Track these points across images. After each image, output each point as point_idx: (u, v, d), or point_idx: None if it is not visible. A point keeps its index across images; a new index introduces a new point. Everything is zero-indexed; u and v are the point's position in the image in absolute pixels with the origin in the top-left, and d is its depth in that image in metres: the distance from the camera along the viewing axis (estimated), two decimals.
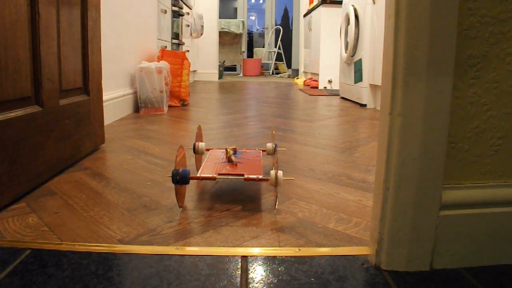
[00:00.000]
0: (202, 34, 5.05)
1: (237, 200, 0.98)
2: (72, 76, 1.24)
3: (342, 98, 3.56)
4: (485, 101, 0.66)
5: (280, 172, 0.89)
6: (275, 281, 0.63)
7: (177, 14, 3.75)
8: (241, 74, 7.76)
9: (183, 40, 4.16)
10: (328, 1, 4.42)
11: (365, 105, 2.96)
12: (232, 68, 8.39)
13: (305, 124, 2.15)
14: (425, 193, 0.65)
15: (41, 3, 1.01)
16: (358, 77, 3.04)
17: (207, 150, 1.21)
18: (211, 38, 5.87)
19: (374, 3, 2.74)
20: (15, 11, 0.91)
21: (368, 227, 0.83)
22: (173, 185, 0.89)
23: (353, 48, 3.10)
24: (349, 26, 3.13)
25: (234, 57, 7.70)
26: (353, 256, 0.71)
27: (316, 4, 4.74)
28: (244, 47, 8.03)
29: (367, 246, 0.74)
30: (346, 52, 3.26)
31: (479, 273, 0.66)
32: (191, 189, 1.05)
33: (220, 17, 6.42)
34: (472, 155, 0.67)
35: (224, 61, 7.18)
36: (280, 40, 7.78)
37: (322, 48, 4.48)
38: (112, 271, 0.65)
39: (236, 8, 8.61)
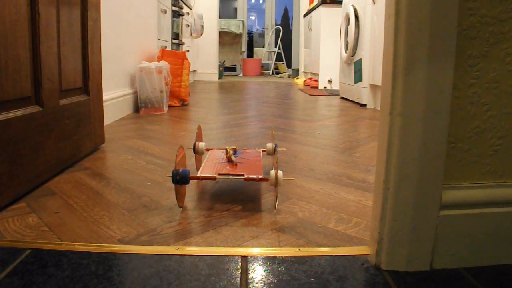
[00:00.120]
0: (202, 34, 5.05)
1: (237, 200, 0.98)
2: (72, 76, 1.24)
3: (342, 98, 3.56)
4: (485, 101, 0.66)
5: (280, 172, 0.89)
6: (275, 281, 0.63)
7: (177, 14, 3.75)
8: (241, 74, 7.76)
9: (183, 40, 4.16)
10: (328, 1, 4.42)
11: (365, 105, 2.96)
12: (232, 68, 8.39)
13: (305, 124, 2.15)
14: (425, 193, 0.65)
15: (41, 3, 1.01)
16: (358, 77, 3.04)
17: (207, 150, 1.21)
18: (211, 38, 5.87)
19: (374, 3, 2.74)
20: (15, 11, 0.91)
21: (368, 227, 0.83)
22: (173, 185, 0.89)
23: (353, 48, 3.10)
24: (349, 26, 3.13)
25: (234, 57, 7.70)
26: (353, 256, 0.71)
27: (316, 4, 4.74)
28: (244, 47, 8.03)
29: (367, 246, 0.74)
30: (346, 52, 3.26)
31: (479, 273, 0.66)
32: (191, 189, 1.05)
33: (220, 17, 6.42)
34: (472, 155, 0.67)
35: (224, 61, 7.18)
36: (280, 40, 7.78)
37: (322, 48, 4.48)
38: (112, 271, 0.65)
39: (236, 8, 8.61)
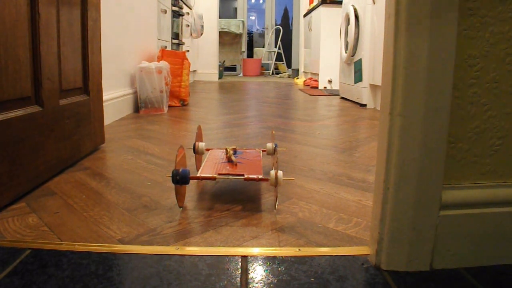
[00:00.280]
0: (202, 34, 5.05)
1: (237, 200, 0.98)
2: (72, 76, 1.24)
3: (342, 98, 3.56)
4: (485, 101, 0.66)
5: (280, 172, 0.89)
6: (275, 281, 0.63)
7: (177, 14, 3.75)
8: (241, 74, 7.76)
9: (183, 40, 4.16)
10: (328, 1, 4.42)
11: (365, 105, 2.96)
12: (232, 68, 8.39)
13: (305, 124, 2.15)
14: (425, 193, 0.65)
15: (41, 3, 1.01)
16: (358, 77, 3.04)
17: (207, 150, 1.21)
18: (211, 38, 5.87)
19: (374, 3, 2.74)
20: (15, 11, 0.91)
21: (368, 227, 0.83)
22: (173, 185, 0.89)
23: (353, 48, 3.10)
24: (349, 26, 3.13)
25: (234, 57, 7.70)
26: (353, 256, 0.71)
27: (316, 4, 4.74)
28: (244, 47, 8.03)
29: (367, 246, 0.74)
30: (346, 52, 3.26)
31: (479, 273, 0.66)
32: (191, 189, 1.05)
33: (220, 17, 6.42)
34: (472, 155, 0.67)
35: (224, 61, 7.18)
36: (280, 40, 7.78)
37: (322, 48, 4.48)
38: (112, 271, 0.65)
39: (236, 8, 8.61)
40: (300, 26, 6.68)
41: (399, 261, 0.67)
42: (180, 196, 0.91)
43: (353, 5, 3.05)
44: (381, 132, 0.66)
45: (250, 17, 9.07)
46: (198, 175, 0.95)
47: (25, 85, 0.97)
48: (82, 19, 1.29)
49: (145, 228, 0.81)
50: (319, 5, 4.54)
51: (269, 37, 8.35)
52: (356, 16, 3.02)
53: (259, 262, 0.69)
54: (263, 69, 8.18)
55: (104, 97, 1.63)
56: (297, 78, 6.06)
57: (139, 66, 2.39)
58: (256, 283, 0.62)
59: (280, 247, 0.74)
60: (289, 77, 7.42)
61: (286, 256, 0.71)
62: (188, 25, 4.60)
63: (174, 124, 2.07)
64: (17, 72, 0.92)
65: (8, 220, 0.83)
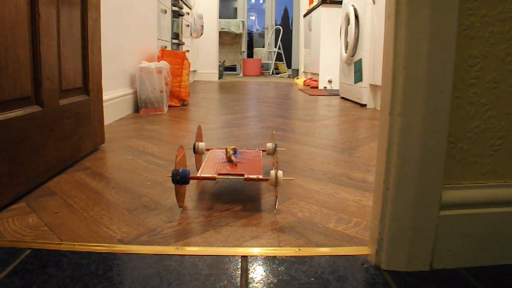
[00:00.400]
0: (202, 34, 5.05)
1: (237, 200, 0.98)
2: (72, 76, 1.24)
3: (342, 98, 3.56)
4: (485, 101, 0.66)
5: (280, 172, 0.89)
6: (275, 281, 0.63)
7: (177, 14, 3.75)
8: (241, 74, 7.76)
9: (183, 40, 4.16)
10: (328, 1, 4.42)
11: (365, 105, 2.96)
12: (232, 68, 8.39)
13: (305, 124, 2.15)
14: (425, 193, 0.65)
15: (41, 3, 1.01)
16: (358, 77, 3.04)
17: (207, 150, 1.21)
18: (211, 38, 5.87)
19: (374, 3, 2.74)
20: (15, 11, 0.91)
21: (368, 227, 0.83)
22: (173, 185, 0.89)
23: (353, 48, 3.10)
24: (349, 26, 3.13)
25: (234, 57, 7.70)
26: (353, 256, 0.71)
27: (316, 4, 4.74)
28: (244, 47, 8.03)
29: (367, 246, 0.74)
30: (346, 52, 3.26)
31: (479, 273, 0.66)
32: (191, 189, 1.05)
33: (220, 17, 6.42)
34: (472, 155, 0.67)
35: (224, 61, 7.18)
36: (280, 40, 7.78)
37: (322, 48, 4.48)
38: (112, 271, 0.65)
39: (236, 8, 8.61)
40: (300, 26, 6.68)
41: (399, 261, 0.67)
42: (180, 196, 0.91)
43: (353, 5, 3.05)
44: (381, 132, 0.66)
45: (250, 17, 9.07)
46: (198, 175, 0.95)
47: (25, 85, 0.97)
48: (82, 19, 1.29)
49: (145, 228, 0.81)
50: (319, 5, 4.54)
51: (269, 37, 8.35)
52: (356, 16, 3.02)
53: (259, 262, 0.69)
54: (263, 69, 8.18)
55: (104, 97, 1.63)
56: (297, 78, 6.06)
57: (139, 66, 2.39)
58: (256, 283, 0.62)
59: (280, 247, 0.74)
60: (289, 77, 7.42)
61: (286, 256, 0.71)
62: (188, 25, 4.60)
63: (174, 124, 2.07)
64: (17, 72, 0.92)
65: (8, 220, 0.83)
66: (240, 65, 7.89)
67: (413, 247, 0.66)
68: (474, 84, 0.65)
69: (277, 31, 7.97)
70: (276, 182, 0.88)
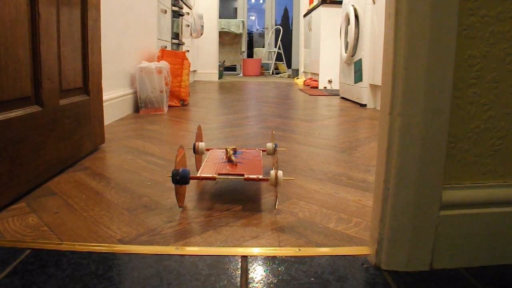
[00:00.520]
0: (202, 34, 5.05)
1: (237, 200, 0.98)
2: (72, 76, 1.24)
3: (342, 98, 3.56)
4: (485, 101, 0.66)
5: (280, 172, 0.89)
6: (275, 281, 0.63)
7: (177, 14, 3.74)
8: (241, 74, 7.76)
9: (183, 40, 4.16)
10: (328, 1, 4.42)
11: (365, 105, 2.96)
12: (232, 68, 8.39)
13: (305, 124, 2.15)
14: (425, 193, 0.65)
15: (41, 3, 1.01)
16: (358, 77, 3.04)
17: (207, 150, 1.21)
18: (211, 38, 5.87)
19: (374, 3, 2.74)
20: (15, 11, 0.91)
21: (368, 227, 0.83)
22: (173, 185, 0.89)
23: (353, 48, 3.10)
24: (349, 26, 3.13)
25: (234, 57, 7.70)
26: (353, 256, 0.71)
27: (316, 4, 4.74)
28: (244, 47, 8.03)
29: (367, 246, 0.74)
30: (346, 52, 3.26)
31: (479, 273, 0.66)
32: (191, 189, 1.05)
33: (220, 17, 6.42)
34: (472, 155, 0.67)
35: (224, 61, 7.18)
36: (280, 40, 7.78)
37: (322, 48, 4.48)
38: (112, 271, 0.65)
39: (236, 8, 8.61)
40: (300, 26, 6.68)
41: (399, 261, 0.67)
42: (180, 196, 0.91)
43: (353, 5, 3.05)
44: (381, 132, 0.66)
45: (250, 17, 9.07)
46: (198, 175, 0.95)
47: (25, 85, 0.97)
48: (82, 19, 1.29)
49: (145, 228, 0.81)
50: (319, 5, 4.54)
51: (269, 37, 8.35)
52: (356, 16, 3.02)
53: (259, 262, 0.69)
54: (263, 69, 8.18)
55: (104, 97, 1.63)
56: (297, 78, 6.06)
57: (139, 66, 2.39)
58: (256, 283, 0.62)
59: (280, 247, 0.74)
60: (289, 77, 7.42)
61: (286, 256, 0.71)
62: (188, 25, 4.60)
63: (174, 124, 2.07)
64: (17, 72, 0.92)
65: (8, 220, 0.83)
66: (240, 65, 7.89)
67: (413, 247, 0.66)
68: (474, 84, 0.65)
69: (277, 31, 7.97)
70: (276, 182, 0.88)
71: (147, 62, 2.48)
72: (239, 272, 0.66)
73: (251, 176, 0.93)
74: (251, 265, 0.68)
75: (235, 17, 8.43)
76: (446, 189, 0.66)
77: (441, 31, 0.60)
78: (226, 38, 7.44)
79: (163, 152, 1.45)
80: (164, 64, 2.50)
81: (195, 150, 1.16)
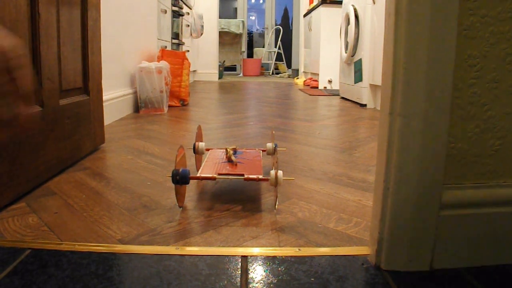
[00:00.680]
0: (202, 34, 5.05)
1: (237, 200, 0.98)
2: (72, 76, 1.24)
3: (342, 98, 3.56)
4: (485, 101, 0.66)
5: (280, 172, 0.89)
6: (275, 281, 0.63)
7: (177, 14, 3.75)
8: (241, 74, 7.76)
9: (183, 40, 4.16)
10: (328, 1, 4.42)
11: (365, 105, 2.96)
12: (232, 68, 8.39)
13: (305, 124, 2.15)
14: (425, 193, 0.65)
15: (41, 3, 1.01)
16: (358, 77, 3.04)
17: (207, 150, 1.21)
18: (211, 38, 5.87)
19: (374, 3, 2.74)
20: (15, 11, 0.91)
21: (368, 227, 0.83)
22: (173, 185, 0.89)
23: (353, 48, 3.10)
24: (349, 26, 3.13)
25: (234, 57, 7.70)
26: (353, 256, 0.71)
27: (316, 4, 4.74)
28: (244, 47, 8.03)
29: (367, 246, 0.74)
30: (346, 52, 3.26)
31: (479, 273, 0.66)
32: (191, 189, 1.05)
33: (220, 17, 6.42)
34: (472, 155, 0.67)
35: (224, 61, 7.18)
36: (280, 40, 7.78)
37: (322, 48, 4.48)
38: (112, 271, 0.65)
39: (236, 8, 8.61)
40: (300, 26, 6.68)
41: (399, 261, 0.67)
42: (180, 196, 0.91)
43: (353, 5, 3.05)
44: (381, 132, 0.66)
45: (250, 17, 9.07)
46: (198, 175, 0.95)
47: None
48: (82, 19, 1.29)
49: (145, 228, 0.81)
50: (319, 5, 4.54)
51: (269, 37, 8.35)
52: (356, 16, 3.02)
53: (259, 262, 0.69)
54: (263, 69, 8.18)
55: (104, 97, 1.63)
56: (297, 78, 6.06)
57: (139, 66, 2.39)
58: (256, 283, 0.63)
59: (280, 247, 0.74)
60: (289, 77, 7.42)
61: (286, 256, 0.71)
62: (188, 25, 4.60)
63: (174, 124, 2.07)
64: None
65: (8, 220, 0.83)
66: (240, 65, 7.89)
67: (413, 247, 0.66)
68: (474, 84, 0.65)
69: (277, 31, 7.97)
70: (276, 182, 0.88)
71: (147, 62, 2.48)
72: (239, 272, 0.66)
73: (251, 176, 0.93)
74: (251, 265, 0.68)
75: (235, 17, 8.43)
76: (446, 189, 0.66)
77: (441, 31, 0.60)
78: (226, 38, 7.44)
79: (163, 152, 1.45)
80: (164, 64, 2.50)
81: (195, 150, 1.16)
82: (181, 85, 2.76)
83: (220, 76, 6.35)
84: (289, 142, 1.65)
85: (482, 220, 0.67)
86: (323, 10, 4.43)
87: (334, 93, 3.94)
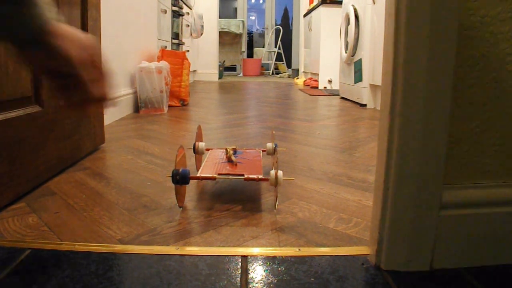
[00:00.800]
0: (202, 34, 5.05)
1: (237, 200, 0.98)
2: None
3: (342, 98, 3.56)
4: (485, 101, 0.66)
5: (280, 172, 0.89)
6: (275, 281, 0.63)
7: (177, 14, 3.75)
8: (241, 74, 7.76)
9: (183, 40, 4.16)
10: (328, 1, 4.42)
11: (365, 105, 2.96)
12: (232, 68, 8.39)
13: (305, 124, 2.15)
14: (425, 193, 0.65)
15: None
16: (358, 77, 3.04)
17: (207, 150, 1.21)
18: (211, 38, 5.87)
19: (374, 3, 2.74)
20: None
21: (368, 227, 0.83)
22: (173, 185, 0.89)
23: (353, 48, 3.10)
24: (349, 26, 3.13)
25: (234, 57, 7.70)
26: (353, 256, 0.71)
27: (316, 4, 4.74)
28: (244, 47, 8.02)
29: (367, 246, 0.74)
30: (346, 52, 3.26)
31: (479, 273, 0.66)
32: (191, 189, 1.05)
33: (220, 17, 6.42)
34: (472, 155, 0.67)
35: (224, 61, 7.18)
36: (280, 40, 7.78)
37: (322, 48, 4.48)
38: (112, 271, 0.65)
39: (236, 8, 8.61)
40: (300, 26, 6.68)
41: (399, 261, 0.67)
42: (180, 196, 0.91)
43: (353, 5, 3.05)
44: (381, 132, 0.66)
45: (250, 17, 9.07)
46: (198, 175, 0.95)
47: (25, 85, 0.97)
48: (82, 19, 1.29)
49: (145, 228, 0.81)
50: (319, 5, 4.54)
51: (269, 37, 8.35)
52: (356, 16, 3.02)
53: (259, 262, 0.69)
54: (263, 69, 8.18)
55: None
56: (297, 78, 6.06)
57: (139, 66, 2.39)
58: (256, 283, 0.63)
59: (280, 247, 0.74)
60: (289, 77, 7.42)
61: (286, 256, 0.71)
62: (188, 25, 4.60)
63: (174, 124, 2.07)
64: (17, 71, 0.92)
65: (8, 220, 0.83)
66: (240, 65, 7.89)
67: (413, 247, 0.66)
68: (474, 84, 0.65)
69: (277, 31, 7.97)
70: (276, 182, 0.88)
71: (147, 62, 2.48)
72: (239, 272, 0.66)
73: (251, 176, 0.93)
74: (251, 265, 0.68)
75: (235, 17, 8.43)
76: (446, 189, 0.66)
77: (441, 31, 0.60)
78: (226, 38, 7.44)
79: (163, 152, 1.45)
80: (164, 64, 2.50)
81: (195, 150, 1.16)
82: (181, 85, 2.76)
83: (220, 76, 6.35)
84: (289, 142, 1.65)
85: (482, 220, 0.67)
86: (323, 10, 4.43)
87: (334, 93, 3.94)
